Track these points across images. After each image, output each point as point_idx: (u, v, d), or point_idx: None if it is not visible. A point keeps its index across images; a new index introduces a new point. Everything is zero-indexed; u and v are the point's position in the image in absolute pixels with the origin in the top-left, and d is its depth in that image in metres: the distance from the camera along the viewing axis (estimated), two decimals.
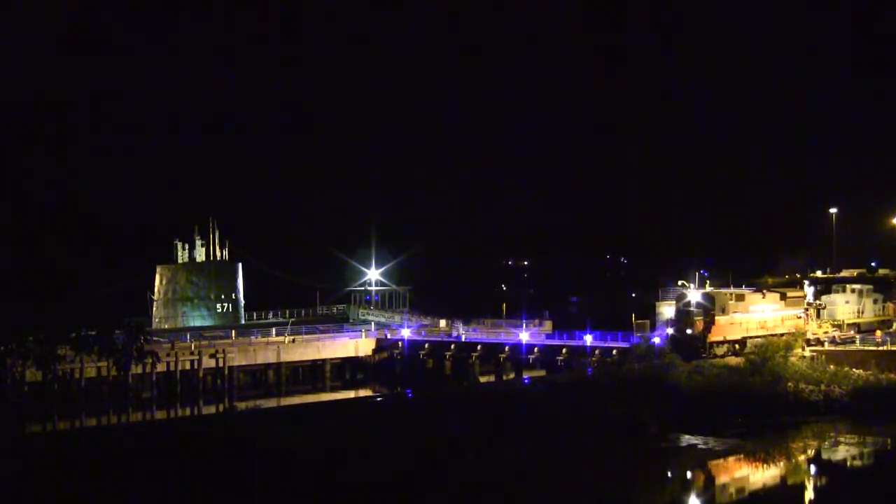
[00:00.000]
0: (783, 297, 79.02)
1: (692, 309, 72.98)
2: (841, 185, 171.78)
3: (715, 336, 72.67)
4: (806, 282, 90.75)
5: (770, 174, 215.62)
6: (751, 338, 74.10)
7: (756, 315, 75.42)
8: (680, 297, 73.91)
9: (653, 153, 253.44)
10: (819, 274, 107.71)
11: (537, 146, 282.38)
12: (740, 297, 75.42)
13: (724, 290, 76.97)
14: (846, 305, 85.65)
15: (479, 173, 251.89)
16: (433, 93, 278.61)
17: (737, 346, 73.45)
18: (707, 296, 73.62)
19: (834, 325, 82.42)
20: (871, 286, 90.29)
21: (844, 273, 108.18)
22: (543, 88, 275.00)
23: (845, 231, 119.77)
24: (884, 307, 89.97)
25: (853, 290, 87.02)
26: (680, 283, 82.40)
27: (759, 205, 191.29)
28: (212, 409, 68.77)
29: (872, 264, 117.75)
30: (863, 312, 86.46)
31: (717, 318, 72.82)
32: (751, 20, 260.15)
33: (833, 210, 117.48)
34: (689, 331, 72.60)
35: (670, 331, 73.89)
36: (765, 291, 79.47)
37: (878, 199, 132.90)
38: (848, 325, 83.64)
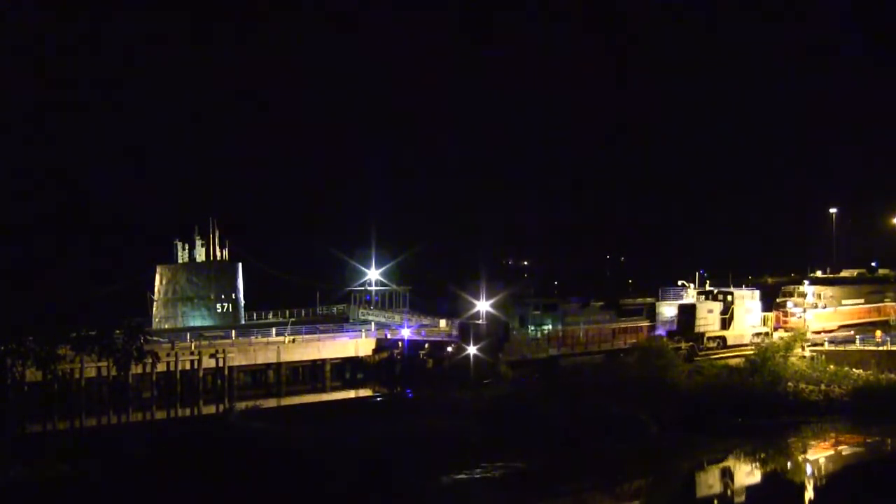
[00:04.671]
0: (611, 306, 70.01)
1: (480, 322, 63.45)
2: (841, 185, 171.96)
3: (512, 355, 64.07)
4: (806, 282, 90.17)
5: (770, 174, 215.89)
6: (566, 356, 66.12)
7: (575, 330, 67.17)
8: (467, 309, 64.49)
9: (653, 153, 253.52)
10: (819, 274, 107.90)
11: (538, 145, 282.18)
12: (551, 307, 67.15)
13: (534, 300, 68.91)
14: (709, 315, 74.59)
15: (479, 172, 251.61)
16: (432, 95, 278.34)
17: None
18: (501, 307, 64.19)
19: (688, 341, 72.09)
20: (756, 291, 79.28)
21: (844, 273, 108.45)
22: (545, 87, 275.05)
23: (845, 231, 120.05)
24: (763, 317, 78.43)
25: (720, 297, 76.15)
26: (680, 282, 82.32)
27: (758, 204, 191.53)
28: (212, 409, 68.83)
29: (873, 264, 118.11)
30: (730, 323, 75.31)
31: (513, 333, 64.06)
32: (751, 17, 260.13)
33: (833, 210, 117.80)
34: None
35: (450, 349, 64.73)
36: (591, 302, 70.19)
37: (878, 200, 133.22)
38: (709, 338, 73.83)
